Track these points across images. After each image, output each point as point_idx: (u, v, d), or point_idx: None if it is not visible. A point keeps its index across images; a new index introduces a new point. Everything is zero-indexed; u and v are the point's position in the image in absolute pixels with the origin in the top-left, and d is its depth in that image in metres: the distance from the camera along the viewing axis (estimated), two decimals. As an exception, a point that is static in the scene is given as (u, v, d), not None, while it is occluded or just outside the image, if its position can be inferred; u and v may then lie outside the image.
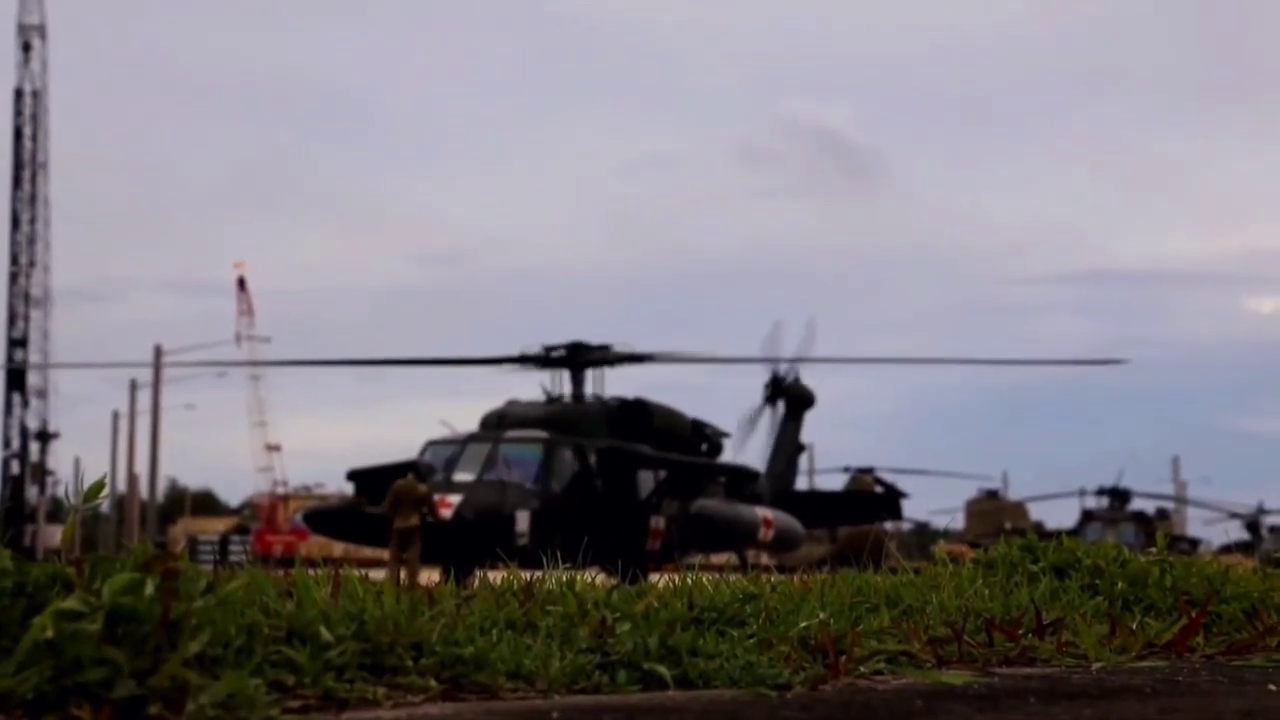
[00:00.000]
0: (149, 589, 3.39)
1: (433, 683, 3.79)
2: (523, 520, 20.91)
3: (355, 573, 4.86)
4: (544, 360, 25.09)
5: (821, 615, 5.00)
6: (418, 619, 3.98)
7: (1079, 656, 5.26)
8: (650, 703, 3.73)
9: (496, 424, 23.30)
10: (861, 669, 4.55)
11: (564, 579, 5.10)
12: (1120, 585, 6.76)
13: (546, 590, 5.00)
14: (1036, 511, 71.28)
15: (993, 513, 68.47)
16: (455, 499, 20.56)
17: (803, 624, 4.89)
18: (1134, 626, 6.00)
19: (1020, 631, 5.49)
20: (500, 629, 4.34)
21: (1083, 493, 69.83)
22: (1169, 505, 75.94)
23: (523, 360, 25.18)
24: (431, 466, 24.98)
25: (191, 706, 3.22)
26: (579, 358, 25.04)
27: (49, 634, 3.22)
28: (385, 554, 32.38)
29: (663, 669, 4.15)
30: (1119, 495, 67.78)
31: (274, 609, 3.81)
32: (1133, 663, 5.28)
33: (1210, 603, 6.32)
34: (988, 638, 5.31)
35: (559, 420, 23.52)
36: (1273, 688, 4.35)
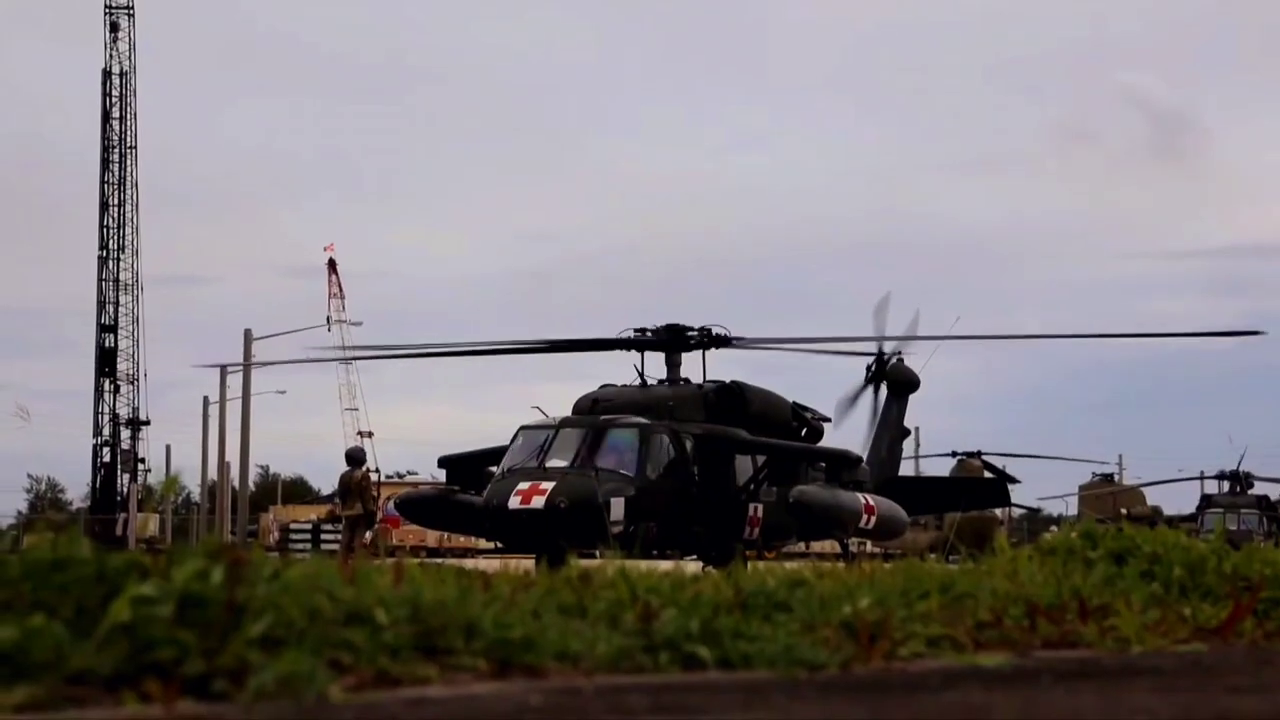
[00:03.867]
0: (216, 576, 3.71)
1: (482, 663, 4.07)
2: (617, 508, 20.91)
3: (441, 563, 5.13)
4: (639, 343, 25.06)
5: (866, 601, 5.21)
6: (470, 603, 4.26)
7: (1123, 640, 5.43)
8: (683, 682, 3.98)
9: (590, 409, 23.26)
10: (901, 652, 4.75)
11: (619, 567, 5.34)
12: (1177, 571, 6.89)
13: (603, 577, 5.26)
14: (1154, 496, 70.12)
15: (1107, 498, 67.53)
16: (548, 486, 20.61)
17: (846, 609, 5.11)
18: (1186, 612, 6.15)
19: (1066, 616, 5.66)
20: (552, 613, 4.62)
21: (1202, 476, 68.60)
22: (1295, 490, 74.24)
23: (617, 343, 25.19)
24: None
25: (253, 683, 3.53)
26: (675, 340, 25.05)
27: (125, 617, 3.55)
28: (480, 542, 32.87)
29: (703, 650, 4.38)
30: (1240, 479, 66.49)
31: (336, 594, 4.11)
32: (1173, 647, 5.44)
33: (1263, 588, 6.44)
34: (1030, 622, 5.49)
35: (654, 405, 23.45)
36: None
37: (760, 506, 24.53)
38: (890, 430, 32.67)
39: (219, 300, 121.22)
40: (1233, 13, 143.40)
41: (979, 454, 57.09)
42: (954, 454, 60.72)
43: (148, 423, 69.02)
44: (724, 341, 25.83)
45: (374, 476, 32.33)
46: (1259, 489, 65.76)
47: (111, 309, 68.40)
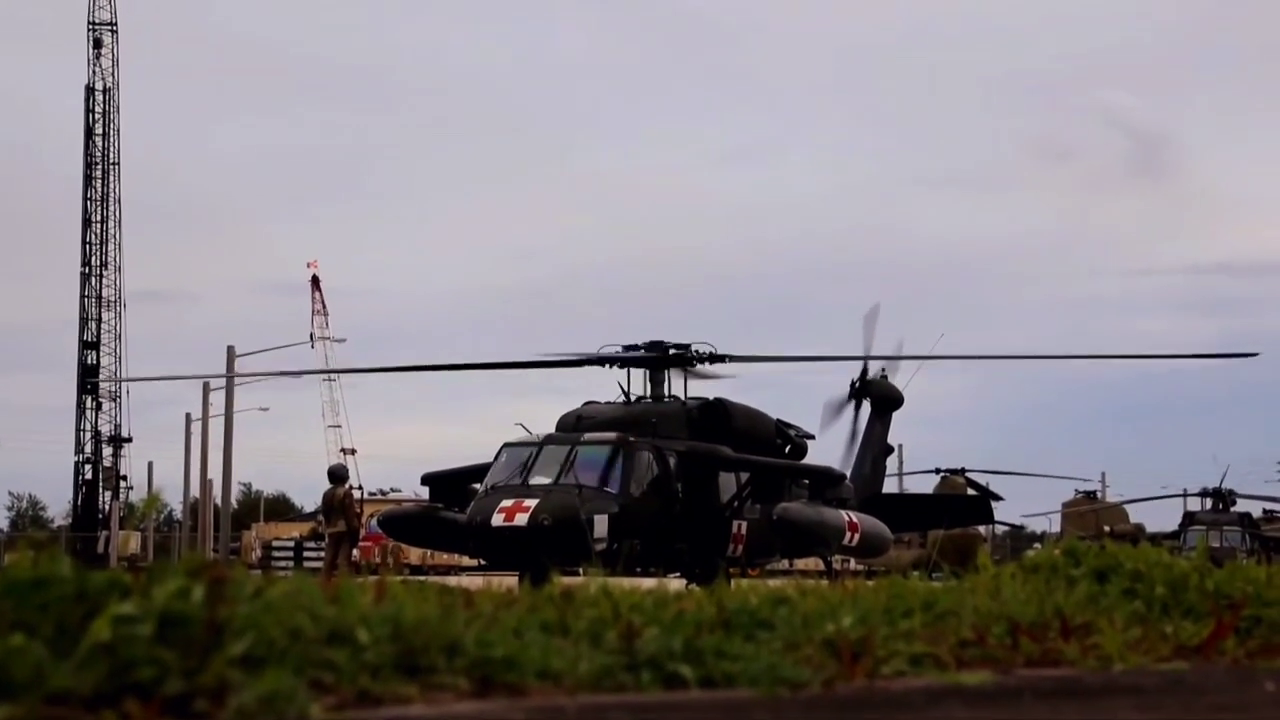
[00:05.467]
0: (197, 594, 3.70)
1: (464, 682, 4.06)
2: (601, 525, 20.90)
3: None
4: (622, 360, 25.09)
5: (848, 620, 5.21)
6: (452, 622, 4.25)
7: (1105, 659, 5.44)
8: (664, 701, 3.98)
9: (573, 426, 23.26)
10: (884, 670, 4.76)
11: (601, 585, 5.34)
12: (1159, 589, 6.90)
13: (585, 595, 5.26)
14: (1137, 514, 70.14)
15: (1090, 516, 67.63)
16: (531, 503, 20.59)
17: (829, 627, 5.11)
18: (1168, 630, 6.16)
19: (1049, 634, 5.67)
20: (534, 631, 4.61)
21: (1185, 494, 68.77)
22: (1278, 507, 74.43)
23: (600, 360, 25.22)
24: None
25: (234, 703, 3.52)
26: (659, 357, 25.07)
27: (106, 636, 3.53)
28: (464, 559, 32.81)
29: (685, 669, 4.38)
30: (1222, 497, 66.68)
31: (318, 612, 4.10)
32: (1156, 665, 5.45)
33: (1245, 606, 6.45)
34: (1013, 640, 5.49)
35: (637, 421, 23.46)
36: (1270, 686, 4.51)
37: (744, 524, 24.57)
38: (873, 447, 32.72)
39: (202, 317, 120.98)
40: (1213, 32, 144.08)
41: (963, 471, 57.10)
42: (937, 471, 60.71)
43: (130, 440, 68.71)
44: (707, 358, 25.87)
45: (357, 494, 32.49)
46: (1241, 507, 65.93)
47: (94, 325, 68.16)
